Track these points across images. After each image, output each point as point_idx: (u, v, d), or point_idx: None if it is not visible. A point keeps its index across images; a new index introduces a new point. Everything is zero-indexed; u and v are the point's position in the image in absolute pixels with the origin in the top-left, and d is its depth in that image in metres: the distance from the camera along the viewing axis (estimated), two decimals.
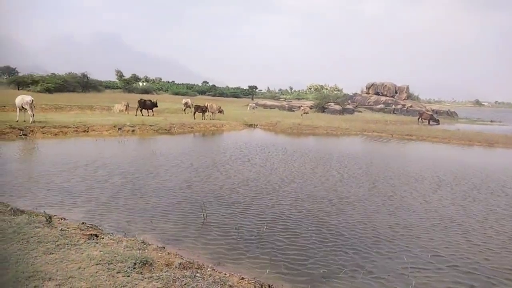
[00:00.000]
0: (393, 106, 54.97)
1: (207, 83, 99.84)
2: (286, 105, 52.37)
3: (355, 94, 63.67)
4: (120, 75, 74.32)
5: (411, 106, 54.72)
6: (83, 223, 6.41)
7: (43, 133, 17.55)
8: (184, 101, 34.84)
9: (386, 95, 59.08)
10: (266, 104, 53.22)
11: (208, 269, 4.94)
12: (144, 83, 78.50)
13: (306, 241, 6.56)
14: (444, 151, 20.45)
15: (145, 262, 4.62)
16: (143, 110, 28.08)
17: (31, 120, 18.59)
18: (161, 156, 13.98)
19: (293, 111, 47.05)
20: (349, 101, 58.22)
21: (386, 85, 60.00)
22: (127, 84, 67.53)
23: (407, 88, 59.94)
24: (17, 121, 18.33)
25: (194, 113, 28.36)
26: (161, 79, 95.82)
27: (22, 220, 5.76)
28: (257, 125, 28.76)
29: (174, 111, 33.75)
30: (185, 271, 4.62)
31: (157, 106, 28.82)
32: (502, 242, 6.93)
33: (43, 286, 3.86)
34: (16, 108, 19.12)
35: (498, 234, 7.33)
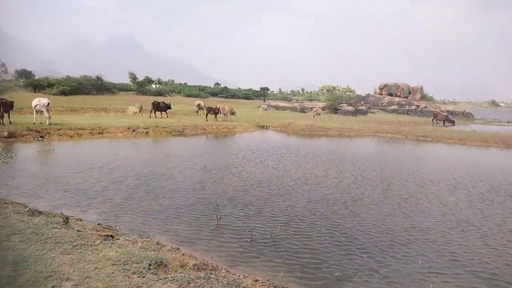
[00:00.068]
0: (407, 107, 54.30)
1: (219, 85, 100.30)
2: (298, 107, 52.22)
3: (368, 95, 63.12)
4: (133, 77, 75.26)
5: (425, 107, 53.96)
6: (99, 224, 6.50)
7: (59, 135, 17.87)
8: (196, 102, 35.09)
9: (399, 96, 58.40)
10: (278, 106, 53.18)
11: (222, 270, 4.96)
12: (157, 85, 79.27)
13: (320, 244, 6.51)
14: (460, 152, 20.10)
15: (160, 263, 4.65)
16: (157, 112, 28.38)
17: (47, 122, 18.95)
18: (174, 157, 14.09)
19: (305, 112, 46.89)
20: (362, 102, 57.73)
21: (399, 86, 59.32)
22: (141, 87, 68.30)
23: (421, 88, 59.16)
24: (34, 123, 18.71)
25: (207, 115, 28.51)
26: (173, 81, 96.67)
27: (40, 221, 5.87)
28: (269, 126, 28.74)
29: (186, 113, 34.00)
30: (199, 273, 4.64)
31: (170, 108, 29.13)
32: None
33: (61, 286, 3.92)
34: (33, 111, 19.54)
35: None
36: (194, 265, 4.87)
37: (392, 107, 55.59)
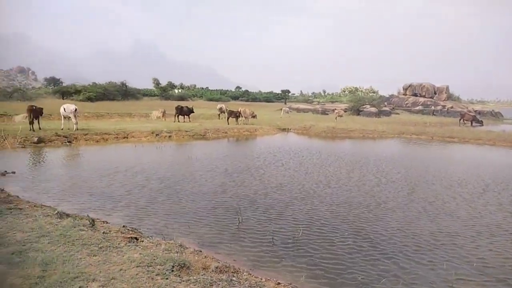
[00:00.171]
0: (433, 107, 52.96)
1: (240, 88, 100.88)
2: (320, 109, 51.86)
3: (392, 96, 61.96)
4: (156, 83, 76.73)
5: (451, 107, 52.49)
6: (123, 226, 6.64)
7: (86, 140, 18.41)
8: (218, 106, 35.42)
9: (424, 96, 57.06)
10: (299, 108, 52.96)
11: (244, 273, 4.96)
12: (180, 90, 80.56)
13: (343, 248, 6.42)
14: (489, 153, 19.41)
15: (182, 265, 4.71)
16: (180, 116, 28.83)
17: (74, 128, 19.57)
18: (196, 161, 14.25)
19: (327, 114, 46.50)
20: (385, 103, 56.71)
21: (424, 86, 57.95)
22: (164, 92, 69.55)
23: (447, 88, 57.59)
24: (62, 129, 19.37)
25: (228, 118, 28.73)
26: (195, 85, 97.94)
27: (67, 223, 6.06)
28: (290, 129, 28.66)
29: (208, 116, 34.36)
30: (222, 275, 4.67)
31: (193, 112, 29.56)
32: None
33: (87, 286, 4.03)
34: (61, 117, 20.24)
35: None
36: (216, 267, 4.90)
37: (417, 107, 54.34)
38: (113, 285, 4.10)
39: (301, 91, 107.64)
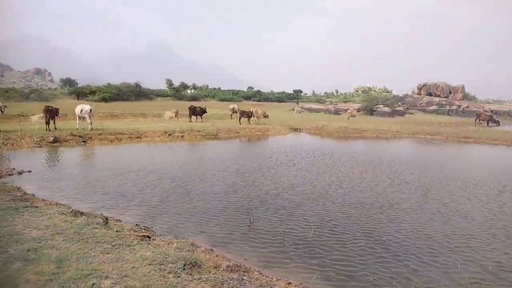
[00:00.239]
0: (448, 107, 52.07)
1: (252, 88, 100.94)
2: (332, 109, 51.54)
3: (406, 96, 61.18)
4: (170, 83, 77.48)
5: (467, 107, 51.52)
6: (136, 225, 6.72)
7: (100, 140, 18.69)
8: (231, 106, 35.58)
9: (439, 96, 56.18)
10: (311, 108, 52.76)
11: (255, 272, 4.97)
12: (192, 91, 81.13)
13: (355, 248, 6.36)
14: (506, 154, 18.98)
15: (194, 264, 4.74)
16: (192, 116, 29.06)
17: (89, 128, 19.90)
18: (208, 161, 14.32)
19: (340, 114, 46.17)
20: (399, 103, 56.06)
21: (439, 85, 57.06)
22: (177, 92, 70.18)
23: (463, 87, 56.56)
24: (77, 128, 19.72)
25: (240, 118, 28.79)
26: (208, 86, 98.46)
27: (81, 221, 6.16)
28: (302, 129, 28.55)
29: (220, 116, 34.51)
30: (233, 274, 4.68)
31: (206, 112, 29.79)
32: None
33: (100, 284, 4.09)
34: (76, 117, 20.60)
35: None
36: (228, 266, 4.92)
37: (432, 107, 53.52)
38: (125, 283, 4.15)
39: (313, 91, 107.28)
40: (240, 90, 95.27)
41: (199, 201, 8.85)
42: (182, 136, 21.29)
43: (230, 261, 5.23)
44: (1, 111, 19.57)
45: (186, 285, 4.21)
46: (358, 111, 43.72)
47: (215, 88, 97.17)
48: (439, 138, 25.12)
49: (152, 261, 4.77)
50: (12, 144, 15.74)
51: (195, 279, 4.38)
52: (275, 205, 8.69)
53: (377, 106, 48.67)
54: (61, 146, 16.98)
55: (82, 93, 53.32)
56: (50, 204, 7.58)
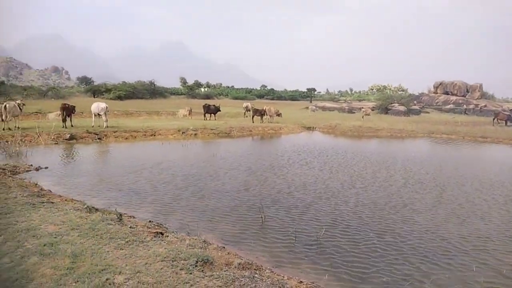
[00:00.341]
0: (465, 106, 50.94)
1: (266, 86, 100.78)
2: (346, 107, 51.06)
3: (422, 94, 60.07)
4: (184, 81, 77.97)
5: (485, 106, 50.29)
6: (149, 221, 6.80)
7: (115, 137, 18.97)
8: (244, 104, 35.64)
9: (456, 95, 54.95)
10: (325, 106, 52.39)
11: (267, 270, 4.98)
12: (206, 89, 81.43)
13: (368, 248, 6.30)
14: None
15: (206, 261, 4.78)
16: (206, 114, 29.26)
17: (104, 125, 20.21)
18: (220, 159, 14.38)
19: (354, 113, 45.73)
20: (415, 102, 55.04)
21: (456, 84, 55.84)
22: (190, 90, 70.54)
23: (480, 86, 55.20)
24: (92, 126, 20.05)
25: (253, 116, 28.82)
26: (221, 84, 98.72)
27: (96, 217, 6.27)
28: (315, 128, 28.41)
29: (233, 115, 34.61)
30: (244, 272, 4.70)
31: (220, 110, 29.99)
32: None
33: (113, 279, 4.16)
34: (92, 114, 20.95)
35: None
36: (239, 264, 4.94)
37: (448, 106, 52.47)
38: (138, 278, 4.21)
39: (327, 89, 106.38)
40: (253, 89, 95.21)
41: (211, 199, 8.90)
42: (195, 134, 21.43)
43: (241, 259, 5.25)
44: (20, 108, 20.02)
45: (197, 281, 4.24)
46: (372, 110, 43.23)
47: (228, 87, 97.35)
48: (455, 137, 24.67)
49: (165, 257, 4.82)
50: (30, 141, 16.10)
51: (207, 276, 4.41)
52: (287, 204, 8.68)
53: (392, 104, 47.99)
54: (77, 143, 17.30)
55: (98, 91, 54.11)
56: (66, 200, 7.73)
